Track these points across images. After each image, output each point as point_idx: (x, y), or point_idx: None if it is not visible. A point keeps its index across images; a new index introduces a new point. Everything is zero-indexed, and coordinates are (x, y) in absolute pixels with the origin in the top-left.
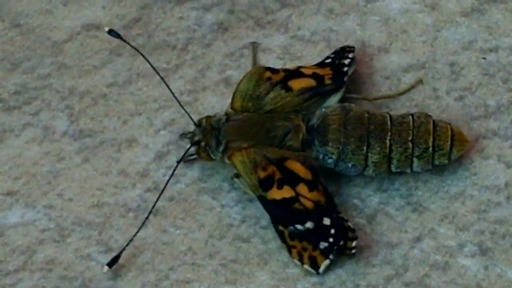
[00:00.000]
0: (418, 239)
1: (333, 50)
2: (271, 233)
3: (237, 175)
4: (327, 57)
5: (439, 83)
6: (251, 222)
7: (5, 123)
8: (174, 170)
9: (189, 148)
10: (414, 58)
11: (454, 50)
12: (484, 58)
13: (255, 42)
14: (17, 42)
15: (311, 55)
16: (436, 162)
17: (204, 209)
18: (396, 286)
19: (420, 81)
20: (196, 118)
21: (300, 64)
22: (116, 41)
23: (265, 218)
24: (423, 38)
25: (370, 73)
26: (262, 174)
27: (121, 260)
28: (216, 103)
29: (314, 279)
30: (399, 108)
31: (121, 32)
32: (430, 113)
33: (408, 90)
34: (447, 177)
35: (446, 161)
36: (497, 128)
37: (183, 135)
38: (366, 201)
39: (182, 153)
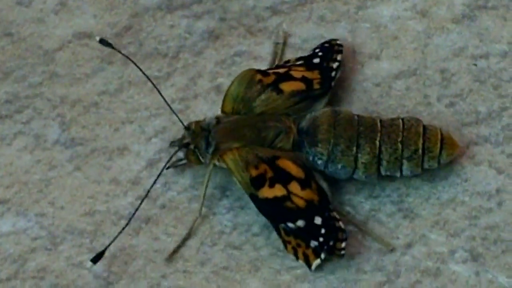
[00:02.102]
0: (409, 245)
1: (320, 44)
2: (263, 240)
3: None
4: (315, 54)
5: (430, 89)
6: (242, 229)
7: None
8: (160, 173)
9: (176, 151)
10: (405, 64)
11: (445, 57)
12: (475, 65)
13: (285, 33)
14: (9, 51)
15: None
16: (426, 165)
17: (195, 216)
18: None
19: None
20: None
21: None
22: (107, 49)
23: (257, 225)
24: (414, 45)
25: (361, 80)
26: (254, 173)
27: (113, 268)
28: (208, 110)
29: (306, 285)
30: (390, 115)
31: (112, 41)
32: (421, 119)
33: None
34: (438, 184)
35: (436, 165)
36: (488, 134)
37: (172, 143)
38: (357, 207)
39: (174, 160)
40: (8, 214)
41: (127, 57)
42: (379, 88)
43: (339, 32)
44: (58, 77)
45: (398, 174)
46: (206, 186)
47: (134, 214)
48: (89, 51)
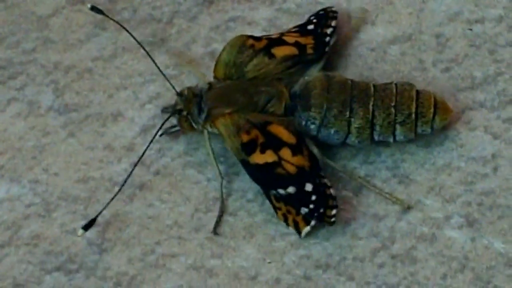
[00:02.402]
0: (404, 211)
1: (315, 12)
2: (257, 207)
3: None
4: (310, 21)
5: (425, 54)
6: (237, 195)
7: None
8: (153, 139)
9: (169, 117)
10: (400, 30)
11: (440, 22)
12: (470, 29)
13: None
14: (2, 16)
15: None
16: (419, 130)
17: (190, 182)
18: (383, 259)
19: None
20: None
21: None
22: (101, 15)
23: (251, 192)
24: (409, 9)
25: (356, 45)
26: (245, 138)
27: (106, 235)
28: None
29: (301, 252)
30: (385, 80)
31: (106, 6)
32: (416, 85)
33: None
34: (433, 149)
35: (429, 130)
36: (483, 99)
37: (165, 109)
38: (352, 173)
39: (166, 127)
40: (1, 181)
41: (119, 24)
42: (374, 53)
43: None
44: (52, 43)
45: (391, 139)
46: (212, 150)
47: (126, 180)
48: (83, 16)
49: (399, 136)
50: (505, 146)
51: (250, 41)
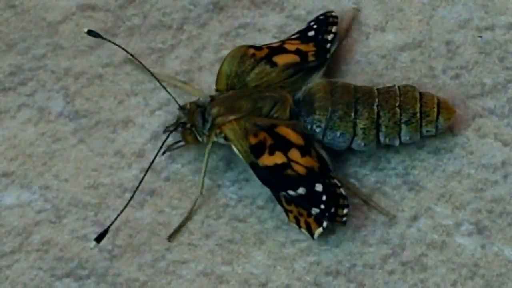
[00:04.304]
0: (415, 218)
1: (315, 17)
2: (267, 213)
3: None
4: (310, 27)
5: (435, 61)
6: (247, 202)
7: (0, 104)
8: (155, 158)
9: (172, 131)
10: (410, 36)
11: (450, 29)
12: (480, 37)
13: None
14: (12, 23)
15: None
16: (424, 131)
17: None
18: (393, 266)
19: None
20: (192, 99)
21: None
22: (111, 21)
23: (262, 198)
24: (419, 16)
25: (366, 52)
26: (253, 141)
27: (117, 241)
28: (212, 82)
29: (311, 258)
30: None
31: (116, 13)
32: (426, 91)
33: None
34: (443, 156)
35: (434, 131)
36: (493, 106)
37: (167, 129)
38: (362, 180)
39: (169, 144)
40: (12, 187)
41: (117, 45)
42: (384, 60)
43: (344, 3)
44: (62, 49)
45: (397, 142)
46: (206, 164)
47: (138, 186)
48: (93, 23)
49: (405, 137)
50: None
51: (251, 51)
